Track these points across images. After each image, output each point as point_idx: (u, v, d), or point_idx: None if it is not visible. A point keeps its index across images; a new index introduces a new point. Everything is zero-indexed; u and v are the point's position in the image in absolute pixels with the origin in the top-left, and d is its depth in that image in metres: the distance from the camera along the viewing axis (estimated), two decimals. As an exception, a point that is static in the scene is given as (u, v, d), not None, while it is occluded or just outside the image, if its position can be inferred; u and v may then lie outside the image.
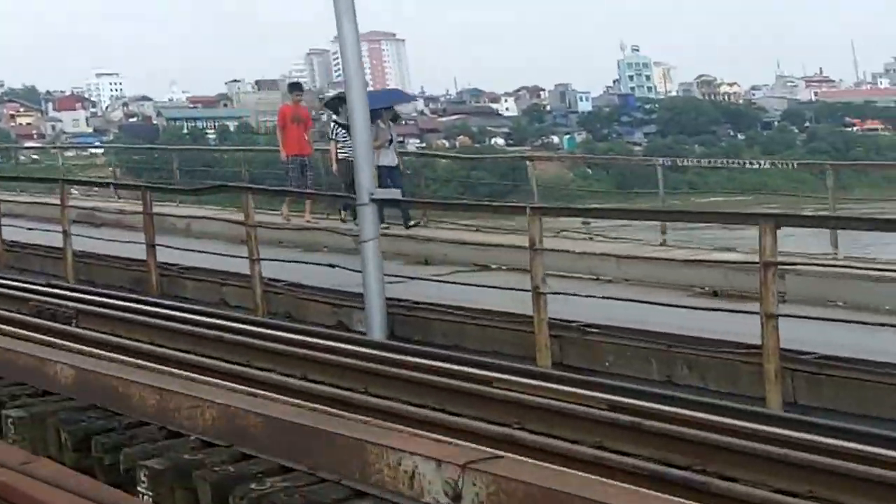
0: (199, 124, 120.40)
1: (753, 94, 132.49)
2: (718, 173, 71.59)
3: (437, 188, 46.93)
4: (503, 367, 9.14)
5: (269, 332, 10.62)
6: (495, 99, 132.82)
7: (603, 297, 10.67)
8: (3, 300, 12.38)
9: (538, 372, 8.96)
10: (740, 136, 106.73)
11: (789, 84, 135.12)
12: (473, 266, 15.06)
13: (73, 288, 13.33)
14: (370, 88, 19.86)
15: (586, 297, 10.68)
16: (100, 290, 12.96)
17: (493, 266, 15.02)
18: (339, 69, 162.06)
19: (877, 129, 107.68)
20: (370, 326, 11.60)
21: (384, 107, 18.13)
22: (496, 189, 49.12)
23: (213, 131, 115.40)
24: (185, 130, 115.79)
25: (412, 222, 17.17)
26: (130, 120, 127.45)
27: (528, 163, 58.15)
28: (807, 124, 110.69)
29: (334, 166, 18.27)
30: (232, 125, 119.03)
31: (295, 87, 21.11)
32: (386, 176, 17.24)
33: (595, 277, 13.63)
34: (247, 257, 13.82)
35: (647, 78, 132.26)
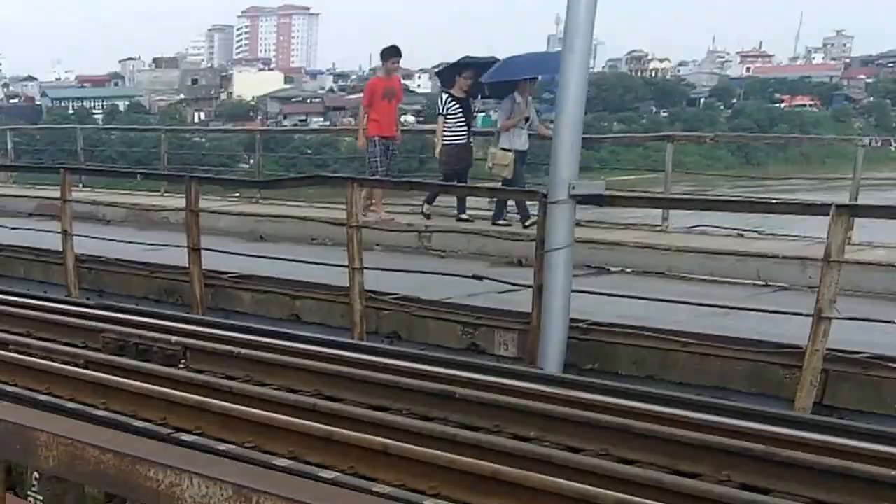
0: (87, 104, 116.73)
1: (679, 71, 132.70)
2: (633, 150, 70.45)
3: (337, 168, 45.02)
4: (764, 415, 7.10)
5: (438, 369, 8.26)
6: (409, 75, 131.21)
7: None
8: (51, 329, 9.85)
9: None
10: (663, 113, 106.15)
11: (719, 59, 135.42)
12: (587, 269, 12.90)
13: (150, 311, 10.75)
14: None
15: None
16: (208, 319, 10.36)
17: (613, 269, 12.90)
18: (240, 45, 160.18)
19: (805, 105, 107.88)
20: (545, 355, 9.34)
21: (530, 77, 15.40)
22: (403, 167, 47.30)
23: (100, 111, 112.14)
24: (72, 111, 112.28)
25: (530, 221, 14.83)
26: (11, 101, 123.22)
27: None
28: (734, 101, 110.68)
29: (438, 148, 15.71)
30: (122, 105, 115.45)
31: (392, 52, 16.18)
32: (520, 163, 14.98)
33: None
34: (323, 263, 11.69)
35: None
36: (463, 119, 15.44)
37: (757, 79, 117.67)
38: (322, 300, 11.76)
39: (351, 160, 46.20)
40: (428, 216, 15.58)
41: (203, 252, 12.89)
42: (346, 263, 12.10)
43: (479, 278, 10.82)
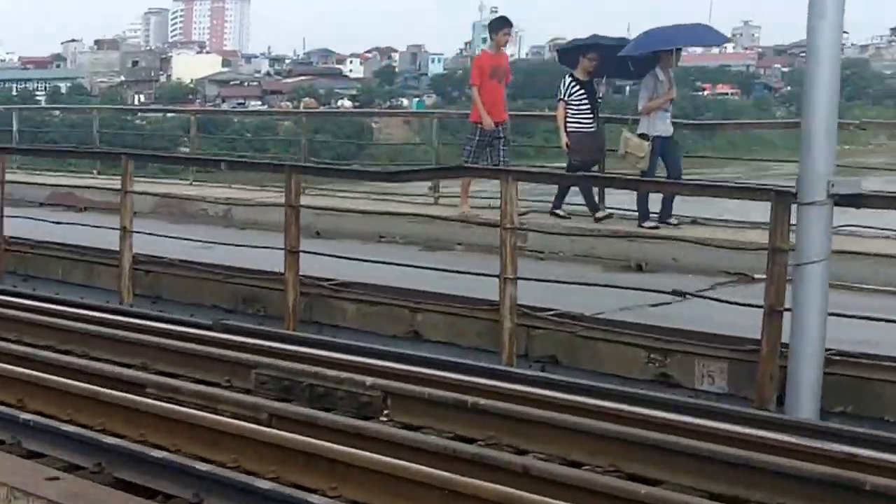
0: (30, 86, 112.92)
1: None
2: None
3: (277, 151, 42.76)
4: None
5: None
6: (341, 60, 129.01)
7: None
8: (175, 360, 7.47)
9: None
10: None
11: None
12: (726, 275, 10.81)
13: (303, 338, 8.34)
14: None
15: None
16: (409, 354, 7.86)
17: (759, 276, 10.73)
18: (175, 28, 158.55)
19: (727, 94, 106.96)
20: (795, 395, 7.20)
21: (669, 48, 12.85)
22: (341, 152, 45.38)
23: (42, 93, 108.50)
24: (15, 92, 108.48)
25: (673, 219, 12.54)
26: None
27: (373, 124, 54.65)
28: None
29: (563, 138, 13.19)
30: (64, 87, 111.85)
31: (502, 22, 13.47)
32: (658, 151, 12.63)
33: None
34: (447, 270, 9.47)
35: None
36: (588, 104, 13.05)
37: (678, 67, 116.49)
38: (452, 314, 9.50)
39: (289, 144, 43.95)
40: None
41: (259, 252, 10.76)
42: (444, 267, 10.11)
43: (681, 294, 8.59)
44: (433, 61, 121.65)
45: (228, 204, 15.00)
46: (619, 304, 9.41)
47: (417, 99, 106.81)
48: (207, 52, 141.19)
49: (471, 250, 12.67)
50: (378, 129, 73.01)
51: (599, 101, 13.24)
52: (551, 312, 8.95)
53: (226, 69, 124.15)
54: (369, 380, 6.27)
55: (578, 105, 12.93)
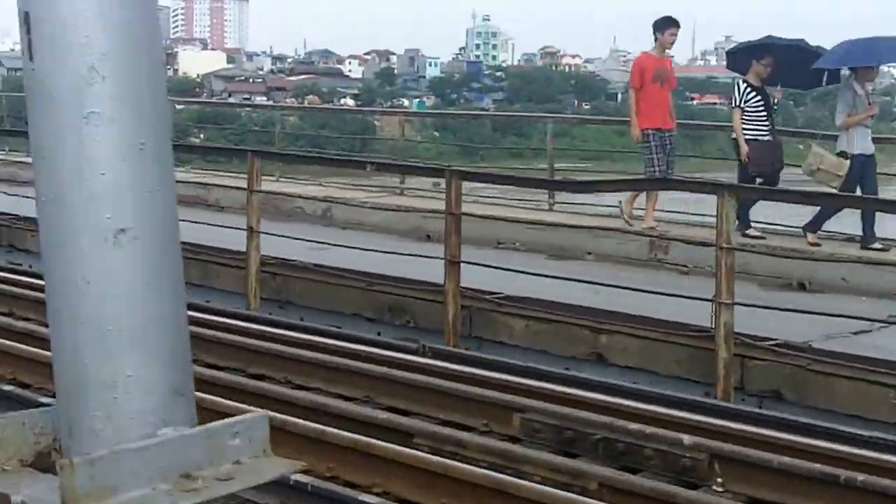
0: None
1: (586, 67, 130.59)
2: (562, 140, 67.78)
3: (285, 145, 41.47)
4: None
5: None
6: (340, 61, 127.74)
7: None
8: (402, 394, 6.08)
9: None
10: (585, 106, 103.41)
11: (621, 58, 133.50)
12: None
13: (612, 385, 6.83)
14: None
15: None
16: (738, 408, 6.35)
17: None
18: (176, 25, 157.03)
19: (714, 103, 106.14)
20: None
21: (871, 64, 11.40)
22: (345, 147, 44.21)
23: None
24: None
25: (878, 244, 10.96)
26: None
27: (376, 122, 53.32)
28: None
29: (743, 148, 11.38)
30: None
31: (669, 22, 11.78)
32: (858, 170, 11.12)
33: None
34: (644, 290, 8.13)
35: (494, 47, 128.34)
36: (764, 111, 11.54)
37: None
38: (645, 338, 8.16)
39: (296, 137, 42.67)
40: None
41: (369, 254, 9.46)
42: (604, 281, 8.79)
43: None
44: (430, 65, 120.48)
45: (346, 204, 13.56)
46: (817, 331, 8.11)
47: (418, 100, 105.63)
48: (212, 49, 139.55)
49: (602, 260, 11.38)
50: (380, 126, 71.59)
51: (775, 108, 11.78)
52: (772, 342, 7.61)
53: (230, 66, 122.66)
54: (687, 438, 4.91)
55: (755, 112, 11.43)
